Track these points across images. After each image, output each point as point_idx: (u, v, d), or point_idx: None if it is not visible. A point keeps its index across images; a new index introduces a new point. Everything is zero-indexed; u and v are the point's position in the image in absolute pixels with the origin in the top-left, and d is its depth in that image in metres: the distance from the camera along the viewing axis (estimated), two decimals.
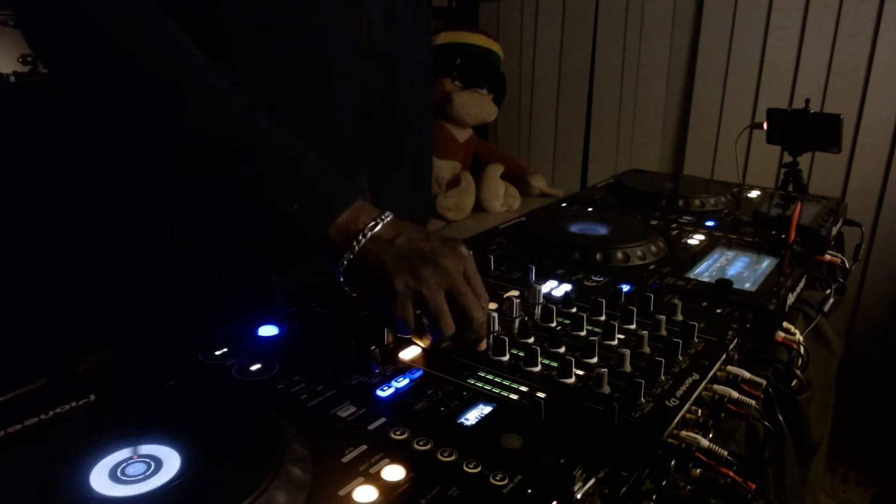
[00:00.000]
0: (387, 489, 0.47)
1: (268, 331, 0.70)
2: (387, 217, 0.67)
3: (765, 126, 1.59)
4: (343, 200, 0.67)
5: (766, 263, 0.96)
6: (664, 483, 0.55)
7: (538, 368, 0.64)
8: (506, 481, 0.48)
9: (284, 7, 0.72)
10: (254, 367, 0.63)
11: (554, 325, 0.74)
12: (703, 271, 0.93)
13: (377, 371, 0.63)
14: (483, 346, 0.67)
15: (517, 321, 0.72)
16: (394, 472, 0.48)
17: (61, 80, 0.67)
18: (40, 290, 0.79)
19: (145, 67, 0.62)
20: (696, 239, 1.06)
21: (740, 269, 0.95)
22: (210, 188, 0.68)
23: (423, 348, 0.68)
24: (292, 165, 0.66)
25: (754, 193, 1.37)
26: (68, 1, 0.60)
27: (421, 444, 0.52)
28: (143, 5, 0.63)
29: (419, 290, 0.63)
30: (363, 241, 0.65)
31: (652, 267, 0.94)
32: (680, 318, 0.77)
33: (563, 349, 0.68)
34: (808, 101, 1.55)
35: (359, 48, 0.80)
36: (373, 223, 0.66)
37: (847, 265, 1.04)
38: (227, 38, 0.70)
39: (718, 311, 0.80)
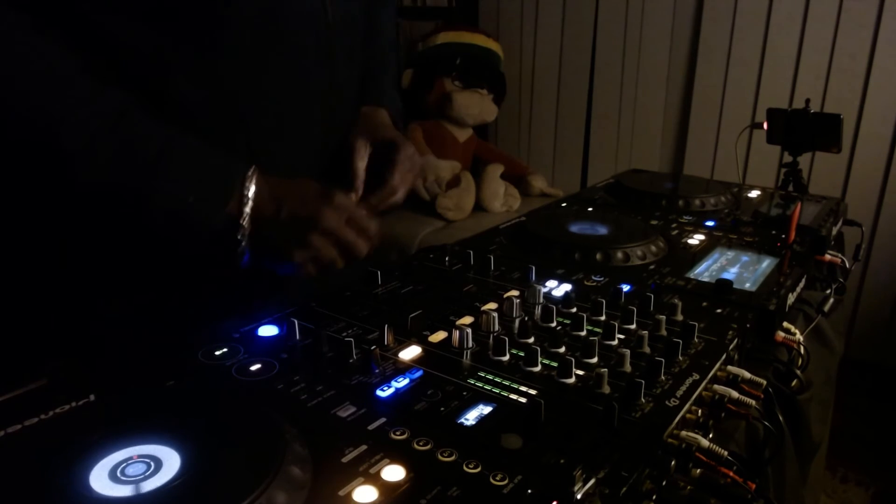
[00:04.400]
0: (387, 489, 0.47)
1: (268, 331, 0.70)
2: (252, 176, 0.69)
3: (765, 126, 1.59)
4: (230, 179, 0.68)
5: (766, 263, 0.96)
6: (664, 483, 0.55)
7: (538, 368, 0.64)
8: (506, 481, 0.48)
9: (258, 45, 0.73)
10: (254, 367, 0.63)
11: (554, 325, 0.74)
12: (703, 271, 0.93)
13: (377, 371, 0.63)
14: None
15: (517, 321, 0.73)
16: (394, 472, 0.48)
17: None
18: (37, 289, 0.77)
19: (7, 99, 0.59)
20: (696, 239, 1.06)
21: (740, 269, 0.95)
22: (102, 200, 0.65)
23: (424, 349, 0.68)
24: (178, 159, 0.65)
25: (754, 193, 1.37)
26: None
27: (421, 444, 0.52)
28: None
29: (314, 255, 0.73)
30: (247, 219, 0.68)
31: (652, 267, 0.94)
32: (680, 318, 0.77)
33: (563, 349, 0.68)
34: (808, 101, 1.55)
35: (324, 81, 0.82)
36: (247, 199, 0.68)
37: (847, 265, 1.04)
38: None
39: (718, 311, 0.80)
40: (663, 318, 0.73)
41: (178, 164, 0.65)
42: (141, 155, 0.63)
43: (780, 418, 0.70)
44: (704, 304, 0.81)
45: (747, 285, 0.88)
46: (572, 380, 0.62)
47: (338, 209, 0.74)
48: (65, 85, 0.62)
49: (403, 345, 0.68)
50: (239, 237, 0.68)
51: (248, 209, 0.68)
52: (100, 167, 0.62)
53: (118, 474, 0.46)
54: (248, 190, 0.68)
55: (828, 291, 0.97)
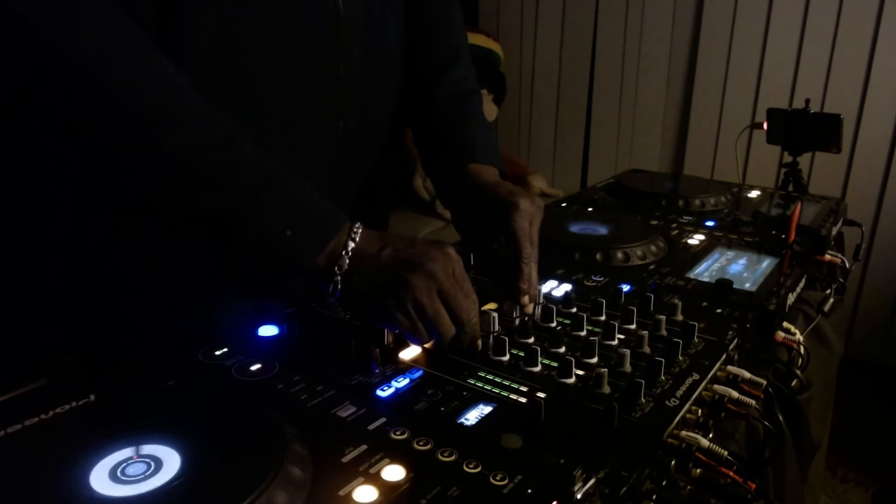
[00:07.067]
0: (387, 489, 0.47)
1: (268, 331, 0.70)
2: (358, 229, 0.65)
3: (765, 126, 1.59)
4: (333, 223, 0.64)
5: (766, 263, 0.96)
6: (664, 483, 0.56)
7: (538, 368, 0.64)
8: (506, 481, 0.48)
9: (257, 38, 0.70)
10: (254, 367, 0.63)
11: (554, 325, 0.74)
12: (703, 271, 0.93)
13: (377, 371, 0.63)
14: (479, 345, 0.67)
15: (517, 321, 0.72)
16: (394, 472, 0.48)
17: (17, 110, 0.61)
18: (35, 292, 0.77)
19: (120, 96, 0.58)
20: (696, 239, 1.06)
21: (740, 269, 0.95)
22: (189, 220, 0.63)
23: (424, 348, 0.68)
24: (282, 191, 0.62)
25: (754, 193, 1.37)
26: (28, 24, 0.55)
27: (421, 444, 0.52)
28: (114, 29, 0.59)
29: (414, 297, 0.62)
30: (347, 260, 0.63)
31: (652, 267, 0.94)
32: (680, 318, 0.77)
33: (563, 349, 0.68)
34: (808, 101, 1.55)
35: (335, 81, 0.77)
36: (350, 241, 0.64)
37: (847, 265, 1.04)
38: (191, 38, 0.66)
39: (718, 311, 0.80)
40: (663, 318, 0.73)
41: (283, 195, 0.62)
42: (247, 177, 0.62)
43: (780, 418, 0.70)
44: (704, 304, 0.81)
45: (747, 285, 0.88)
46: (572, 380, 0.62)
47: (447, 258, 0.64)
48: (179, 96, 0.61)
49: (403, 345, 0.68)
50: (336, 276, 0.63)
51: (347, 258, 0.63)
52: (199, 185, 0.61)
53: (118, 474, 0.46)
54: (352, 241, 0.64)
55: (828, 291, 0.97)
